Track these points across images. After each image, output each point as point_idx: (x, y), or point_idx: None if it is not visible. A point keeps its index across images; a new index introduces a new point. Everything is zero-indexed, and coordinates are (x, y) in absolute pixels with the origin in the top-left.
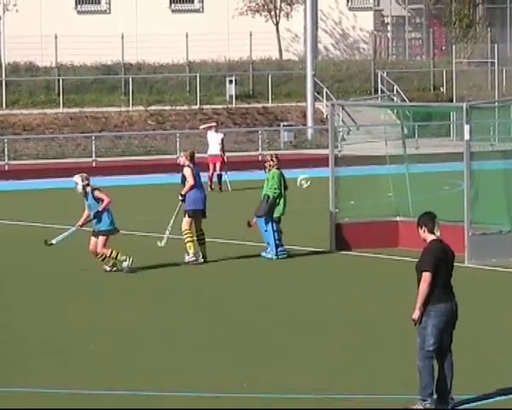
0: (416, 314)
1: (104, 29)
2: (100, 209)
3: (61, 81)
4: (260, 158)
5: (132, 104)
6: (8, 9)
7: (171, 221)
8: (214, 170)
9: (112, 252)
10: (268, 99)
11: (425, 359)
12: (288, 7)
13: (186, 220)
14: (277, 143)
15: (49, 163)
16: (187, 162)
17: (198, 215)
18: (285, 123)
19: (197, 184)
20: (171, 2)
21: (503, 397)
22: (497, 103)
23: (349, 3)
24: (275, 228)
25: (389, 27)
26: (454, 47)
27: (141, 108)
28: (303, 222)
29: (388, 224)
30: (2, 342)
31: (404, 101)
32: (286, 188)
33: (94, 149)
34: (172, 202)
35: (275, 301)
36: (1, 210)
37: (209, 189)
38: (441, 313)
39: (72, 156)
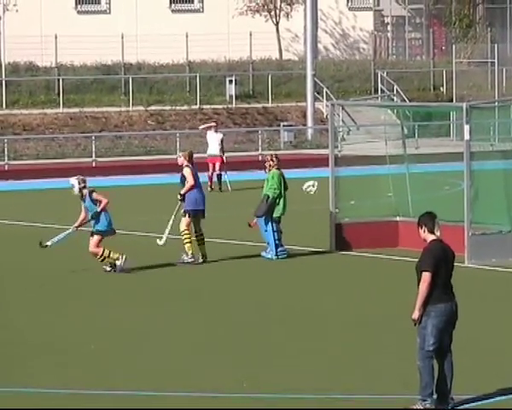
0: (415, 314)
1: (104, 29)
2: (98, 210)
3: (60, 81)
4: (260, 158)
5: (132, 104)
6: (8, 9)
7: (171, 220)
8: (214, 170)
9: (104, 251)
10: (268, 99)
11: (425, 359)
12: (288, 7)
13: (185, 220)
14: (277, 143)
15: (49, 163)
16: (185, 162)
17: (198, 215)
18: (285, 123)
19: (197, 184)
20: (171, 2)
21: (503, 397)
22: (497, 103)
23: (349, 3)
24: (275, 228)
25: (389, 27)
26: (454, 47)
27: (141, 108)
28: (303, 222)
29: (388, 224)
30: (2, 342)
31: (404, 101)
32: (286, 188)
33: (94, 149)
34: (172, 202)
35: (275, 301)
36: (1, 210)
37: (209, 189)
38: (441, 313)
39: (72, 156)
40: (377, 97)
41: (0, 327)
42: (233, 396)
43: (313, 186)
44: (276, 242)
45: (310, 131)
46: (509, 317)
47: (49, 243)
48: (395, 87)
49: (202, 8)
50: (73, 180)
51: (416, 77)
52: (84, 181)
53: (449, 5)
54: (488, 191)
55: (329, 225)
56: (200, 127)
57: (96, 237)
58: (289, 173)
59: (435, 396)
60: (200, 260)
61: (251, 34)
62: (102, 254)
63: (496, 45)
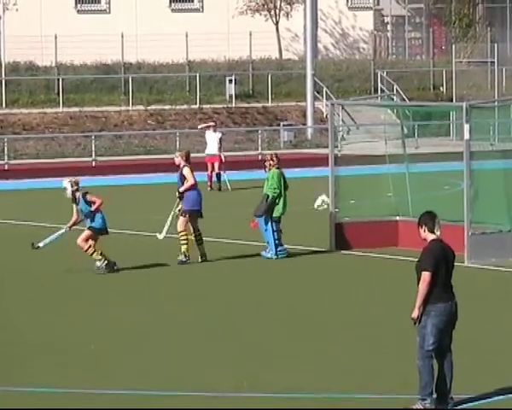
0: (415, 313)
1: (104, 28)
2: (92, 209)
3: (60, 81)
4: (260, 157)
5: (132, 104)
6: (8, 9)
7: (170, 216)
8: (213, 169)
9: (89, 248)
10: (268, 99)
11: (424, 358)
12: (288, 6)
13: (182, 221)
14: (277, 142)
15: (48, 163)
16: (183, 162)
17: (195, 215)
18: (285, 122)
19: (196, 184)
20: (170, 2)
21: (503, 397)
22: (496, 103)
23: (349, 3)
24: (274, 228)
25: (389, 27)
26: (454, 46)
27: (141, 107)
28: (303, 222)
29: (388, 223)
30: (2, 342)
31: (404, 100)
32: (286, 187)
33: (94, 149)
34: (172, 201)
35: (274, 300)
36: (1, 209)
37: (208, 188)
38: (441, 313)
39: (71, 156)
40: (377, 97)
41: (0, 327)
42: (233, 396)
43: (325, 203)
44: (276, 241)
45: (310, 131)
46: (509, 317)
47: (41, 245)
48: (395, 87)
49: (202, 7)
50: (66, 183)
51: (415, 76)
52: (77, 183)
53: (449, 5)
54: (488, 191)
55: (329, 225)
56: (199, 127)
57: (86, 232)
58: (289, 173)
59: (435, 396)
60: (200, 260)
61: (251, 34)
62: (87, 251)
63: (496, 45)
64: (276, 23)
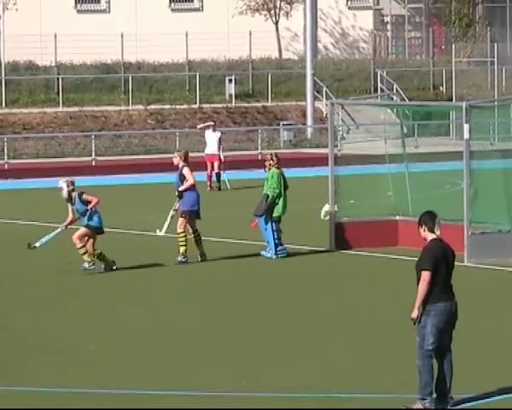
0: (414, 313)
1: (104, 28)
2: (89, 208)
3: (60, 80)
4: (260, 157)
5: (132, 103)
6: (7, 8)
7: (171, 212)
8: (212, 169)
9: (82, 247)
10: (268, 98)
11: (424, 358)
12: (288, 6)
13: (181, 222)
14: (277, 142)
15: (48, 162)
16: (181, 162)
17: (193, 216)
18: (285, 122)
19: (195, 185)
20: (170, 1)
21: (502, 396)
22: (496, 102)
23: (349, 3)
24: (274, 227)
25: (389, 26)
26: (454, 46)
27: (140, 106)
28: (303, 221)
29: (388, 223)
30: (2, 343)
31: (404, 100)
32: (286, 187)
33: (93, 148)
34: (172, 200)
35: (274, 300)
36: (0, 209)
37: (208, 188)
38: (441, 313)
39: (71, 155)
40: (377, 96)
41: (0, 327)
42: (233, 396)
43: (327, 213)
44: (276, 241)
45: (309, 131)
46: (509, 316)
47: (37, 244)
48: (395, 86)
49: (202, 7)
50: (62, 183)
51: (415, 76)
52: (73, 183)
53: (448, 4)
54: (488, 190)
55: (329, 225)
56: (199, 127)
57: (83, 230)
58: (289, 172)
59: (435, 395)
60: (200, 260)
61: (250, 33)
62: (79, 249)
63: (495, 44)
64: (276, 23)
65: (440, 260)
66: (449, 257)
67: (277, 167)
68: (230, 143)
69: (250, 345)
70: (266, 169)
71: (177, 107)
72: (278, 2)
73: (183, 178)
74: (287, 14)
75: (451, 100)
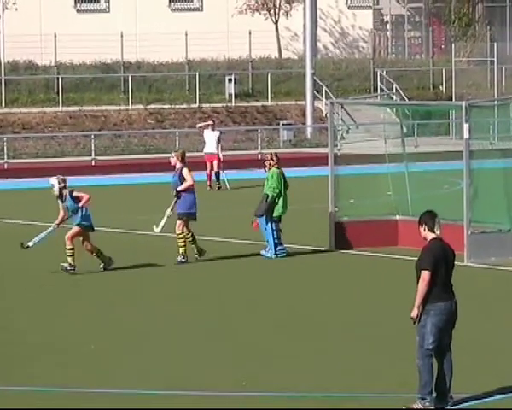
0: (414, 312)
1: (103, 28)
2: (80, 205)
3: (60, 80)
4: (259, 157)
5: (131, 103)
6: (7, 8)
7: (169, 210)
8: (212, 168)
9: (71, 249)
10: (267, 98)
11: (424, 357)
12: (288, 5)
13: (180, 224)
14: (277, 141)
15: (48, 162)
16: (178, 162)
17: (190, 218)
18: (284, 122)
19: (193, 186)
20: (170, 1)
21: (502, 396)
22: (496, 102)
23: (348, 2)
24: (274, 227)
25: (388, 26)
26: (453, 45)
27: (140, 106)
28: (303, 221)
29: (388, 222)
30: (2, 343)
31: (404, 99)
32: (287, 187)
33: (93, 148)
34: (171, 200)
35: (274, 300)
36: (0, 209)
37: (208, 188)
38: (441, 312)
39: (71, 155)
40: (376, 96)
41: (0, 327)
42: (233, 396)
43: None
44: (276, 241)
45: (309, 130)
46: (509, 316)
47: (30, 244)
48: (394, 86)
49: (202, 6)
50: (53, 180)
51: (415, 75)
52: (65, 181)
53: (448, 4)
54: (487, 190)
55: (329, 224)
56: (197, 126)
57: (75, 229)
58: (289, 172)
59: (434, 395)
60: (199, 256)
61: (250, 33)
62: (69, 250)
63: (495, 44)
64: (276, 22)
65: (440, 260)
66: (449, 257)
67: (277, 167)
68: (230, 142)
69: (250, 345)
70: (266, 169)
71: (177, 106)
72: (278, 2)
73: (182, 179)
74: (286, 13)
75: (451, 99)
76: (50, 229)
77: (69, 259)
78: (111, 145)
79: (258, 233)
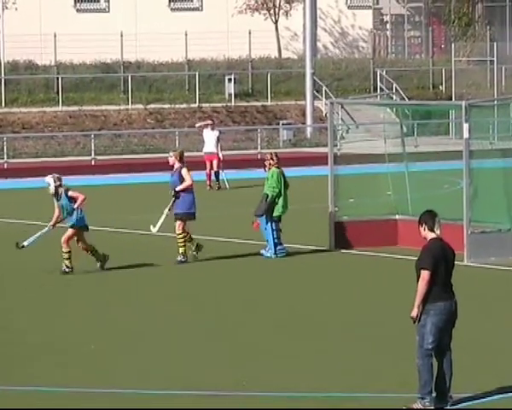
0: (414, 312)
1: (103, 27)
2: (75, 207)
3: (60, 79)
4: (259, 156)
5: (131, 102)
6: (7, 8)
7: (166, 209)
8: (211, 168)
9: (67, 252)
10: (267, 97)
11: (424, 357)
12: (288, 5)
13: (180, 224)
14: (276, 141)
15: (48, 161)
16: (177, 162)
17: (190, 218)
18: (284, 121)
19: (193, 187)
20: (170, 1)
21: (502, 396)
22: (496, 102)
23: (348, 2)
24: (274, 227)
25: (388, 26)
26: (453, 45)
27: (140, 106)
28: (302, 220)
29: (387, 222)
30: (2, 343)
31: (404, 99)
32: (287, 186)
33: (93, 148)
34: (169, 200)
35: (274, 300)
36: (0, 209)
37: (208, 187)
38: (440, 312)
39: (71, 155)
40: (376, 96)
41: (0, 327)
42: (233, 396)
43: None
44: (275, 240)
45: (309, 130)
46: (508, 316)
47: (25, 244)
48: (394, 85)
49: (201, 6)
50: (49, 178)
51: (415, 75)
52: (60, 179)
53: (448, 3)
54: (487, 190)
55: (329, 224)
56: (197, 125)
57: (70, 231)
58: (288, 172)
59: (434, 395)
60: (197, 252)
61: (250, 33)
62: (65, 253)
63: (495, 44)
64: (276, 22)
65: (440, 260)
66: (448, 256)
67: (277, 167)
68: (230, 142)
69: (250, 345)
70: (266, 169)
71: (177, 106)
72: (278, 2)
73: (181, 179)
74: (286, 13)
75: (451, 99)
76: (45, 230)
77: (66, 262)
78: (111, 145)
79: (258, 233)
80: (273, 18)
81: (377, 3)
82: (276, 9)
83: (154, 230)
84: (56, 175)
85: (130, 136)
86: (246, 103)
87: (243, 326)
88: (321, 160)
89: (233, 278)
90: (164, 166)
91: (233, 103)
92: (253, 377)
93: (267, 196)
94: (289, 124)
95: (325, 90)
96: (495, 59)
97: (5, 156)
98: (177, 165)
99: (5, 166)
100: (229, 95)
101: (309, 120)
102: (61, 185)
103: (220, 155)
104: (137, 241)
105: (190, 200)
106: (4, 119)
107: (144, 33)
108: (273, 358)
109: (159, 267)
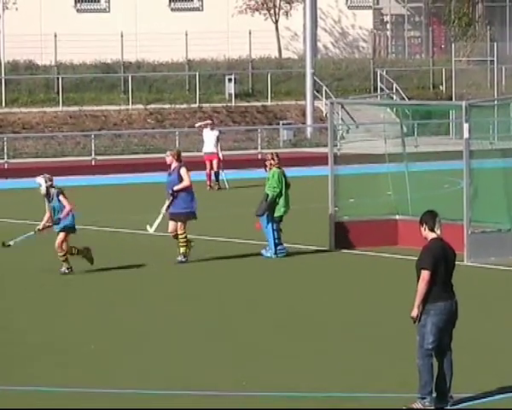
0: (414, 312)
1: (103, 27)
2: (61, 217)
3: (60, 80)
4: (259, 156)
5: (132, 103)
6: (7, 8)
7: (163, 209)
8: (211, 168)
9: (64, 255)
10: (267, 97)
11: (424, 357)
12: (288, 5)
13: (181, 225)
14: (277, 141)
15: (48, 161)
16: (175, 162)
17: (190, 218)
18: (284, 121)
19: (191, 186)
20: (170, 1)
21: (502, 396)
22: (496, 102)
23: (348, 2)
24: (274, 227)
25: (388, 26)
26: (453, 45)
27: (140, 106)
28: (303, 220)
29: (388, 222)
30: (2, 343)
31: (404, 99)
32: (288, 186)
33: (93, 148)
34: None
35: (274, 300)
36: (0, 208)
37: (208, 187)
38: (441, 312)
39: (71, 155)
40: (376, 96)
41: (0, 327)
42: (233, 396)
43: None
44: (276, 240)
45: (309, 130)
46: (509, 315)
47: (11, 243)
48: (394, 85)
49: (202, 6)
50: (40, 179)
51: (415, 75)
52: (51, 179)
53: (448, 3)
54: (487, 190)
55: (329, 224)
56: (197, 125)
57: (61, 235)
58: (289, 172)
59: (434, 395)
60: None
61: (250, 33)
62: (62, 256)
63: (495, 44)
64: (276, 22)
65: (440, 260)
66: (449, 256)
67: (278, 167)
68: (230, 142)
69: (250, 345)
70: (267, 169)
71: (177, 106)
72: (278, 2)
73: (180, 178)
74: (286, 13)
75: (451, 99)
76: (31, 233)
77: (64, 264)
78: (111, 145)
79: (258, 233)
80: (273, 18)
81: (377, 3)
82: (277, 9)
83: (150, 230)
84: (48, 175)
85: (130, 136)
86: (246, 103)
87: (243, 326)
88: (321, 160)
89: (233, 278)
90: (164, 166)
91: (233, 103)
92: (253, 377)
93: (267, 195)
94: (289, 124)
95: (325, 90)
96: (495, 59)
97: (5, 156)
98: (174, 164)
99: (5, 166)
100: (230, 95)
101: (309, 120)
102: (52, 186)
103: (220, 155)
104: (138, 241)
105: (189, 200)
106: (4, 119)
107: (144, 33)
108: (273, 358)
109: (159, 267)
